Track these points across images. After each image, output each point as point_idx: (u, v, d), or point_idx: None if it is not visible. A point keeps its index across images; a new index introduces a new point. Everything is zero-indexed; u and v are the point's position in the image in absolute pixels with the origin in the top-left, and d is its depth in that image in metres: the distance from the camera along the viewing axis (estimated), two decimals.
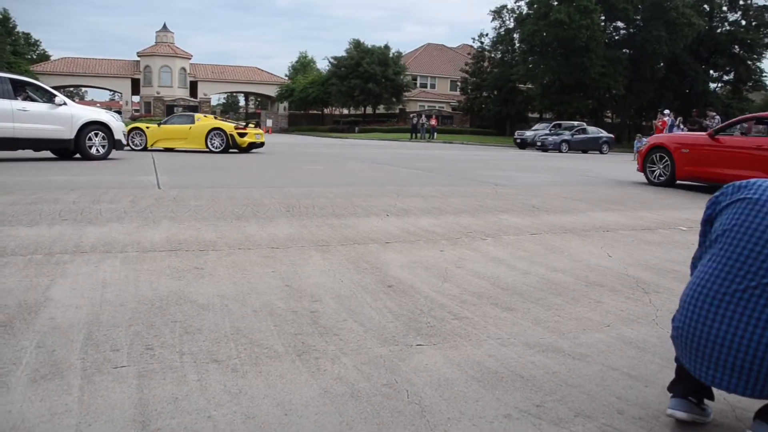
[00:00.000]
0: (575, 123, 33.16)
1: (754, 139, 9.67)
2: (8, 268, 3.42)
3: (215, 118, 22.02)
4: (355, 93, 52.68)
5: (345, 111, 63.12)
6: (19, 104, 11.08)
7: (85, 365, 2.16)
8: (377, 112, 57.90)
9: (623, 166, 17.24)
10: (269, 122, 56.88)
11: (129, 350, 2.30)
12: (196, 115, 19.73)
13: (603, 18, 41.75)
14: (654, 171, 10.63)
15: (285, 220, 5.32)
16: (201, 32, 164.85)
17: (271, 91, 66.22)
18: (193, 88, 64.26)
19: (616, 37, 44.46)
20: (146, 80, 61.61)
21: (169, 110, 51.19)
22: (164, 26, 64.55)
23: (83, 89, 63.61)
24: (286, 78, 71.14)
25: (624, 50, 42.85)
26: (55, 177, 8.51)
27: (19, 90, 11.39)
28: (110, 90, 66.90)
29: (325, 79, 57.35)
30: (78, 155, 12.31)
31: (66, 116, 11.73)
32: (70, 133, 11.76)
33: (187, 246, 4.10)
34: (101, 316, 2.65)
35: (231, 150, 17.90)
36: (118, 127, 12.65)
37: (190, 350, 2.33)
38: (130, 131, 18.71)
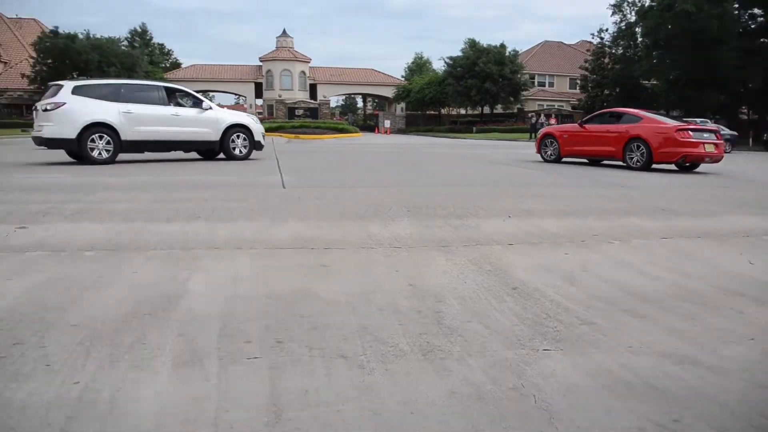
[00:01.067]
0: (697, 120, 31.29)
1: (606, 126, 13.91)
2: (151, 261, 3.68)
3: (335, 118, 25.10)
4: (472, 93, 52.25)
5: (462, 111, 62.81)
6: (173, 110, 12.28)
7: (221, 355, 2.28)
8: (495, 111, 57.19)
9: (754, 165, 16.07)
10: (387, 123, 57.55)
11: (261, 343, 2.40)
12: None
13: (737, 6, 38.94)
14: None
15: (406, 219, 5.36)
16: (319, 36, 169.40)
17: (388, 92, 67.03)
18: (313, 90, 66.21)
19: (753, 26, 41.25)
20: (268, 84, 64.15)
21: (291, 112, 52.94)
22: (284, 32, 66.91)
23: (211, 94, 67.36)
24: (402, 79, 71.72)
25: (762, 39, 39.68)
26: (191, 177, 9.04)
27: (171, 97, 12.52)
28: (235, 94, 70.17)
29: (442, 79, 57.29)
30: (222, 156, 13.29)
31: (212, 120, 12.77)
32: (215, 136, 12.81)
33: (312, 244, 4.23)
34: (234, 309, 2.79)
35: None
36: (258, 129, 13.58)
37: (319, 345, 2.40)
38: None
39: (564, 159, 14.56)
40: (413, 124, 64.46)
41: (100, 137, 11.57)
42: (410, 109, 65.93)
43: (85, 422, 1.78)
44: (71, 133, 11.37)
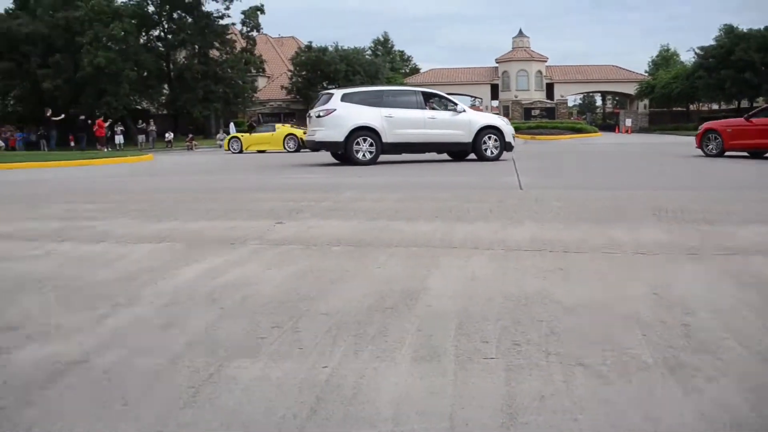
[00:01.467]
0: None
1: None
2: (393, 258, 3.86)
3: (572, 118, 26.02)
4: (726, 85, 47.24)
5: (714, 106, 57.21)
6: (429, 113, 12.95)
7: (458, 352, 2.30)
8: (754, 105, 51.23)
9: None
10: (628, 121, 54.46)
11: (497, 343, 2.39)
12: (277, 125, 26.71)
13: None
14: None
15: (649, 223, 5.01)
16: (556, 34, 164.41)
17: (630, 89, 63.30)
18: (549, 90, 64.79)
19: None
20: (504, 85, 64.07)
21: (527, 113, 52.52)
22: (520, 32, 66.27)
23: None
24: (646, 74, 67.22)
25: None
26: (433, 178, 9.35)
27: (427, 101, 13.29)
28: (471, 96, 71.27)
29: (690, 72, 52.66)
30: (474, 156, 13.74)
31: (465, 122, 13.27)
32: (468, 137, 13.31)
33: (550, 246, 4.12)
34: (471, 309, 2.81)
35: (303, 150, 23.01)
36: (509, 131, 13.81)
37: (556, 351, 2.32)
38: (230, 140, 27.50)
39: (726, 153, 14.58)
40: (657, 122, 60.07)
41: (364, 140, 12.56)
42: (654, 106, 61.64)
43: (332, 404, 1.91)
44: (339, 137, 12.51)
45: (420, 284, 3.22)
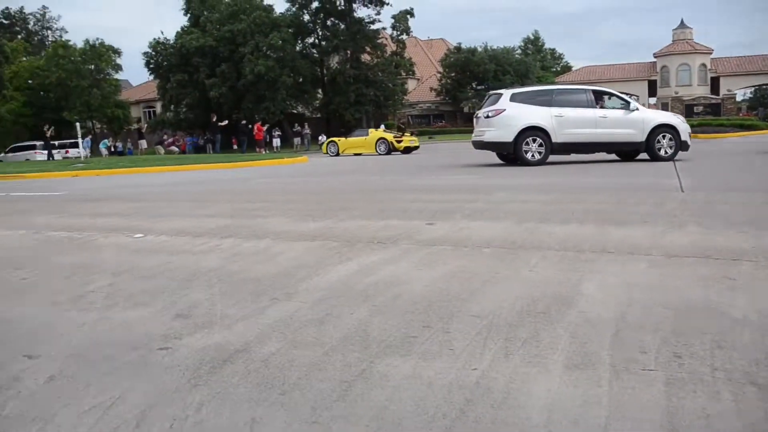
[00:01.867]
0: None
1: None
2: (545, 261, 3.77)
3: (741, 114, 25.56)
4: None
5: None
6: (600, 112, 12.63)
7: (614, 362, 2.21)
8: None
9: None
10: None
11: (656, 355, 2.26)
12: (369, 130, 29.11)
13: None
14: None
15: None
16: (721, 23, 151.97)
17: None
18: (714, 84, 60.18)
19: None
20: (663, 81, 60.37)
21: (688, 110, 49.13)
22: (681, 22, 62.10)
23: None
24: None
25: None
26: (588, 179, 9.03)
27: (598, 99, 12.96)
28: (627, 93, 67.84)
29: None
30: (647, 156, 13.18)
31: (638, 120, 12.80)
32: (641, 136, 12.83)
33: (716, 254, 3.84)
34: (627, 317, 2.68)
35: (393, 152, 25.89)
36: (685, 129, 13.13)
37: (723, 366, 2.16)
38: (327, 143, 29.70)
39: None
40: None
41: (534, 140, 12.47)
42: None
43: (481, 406, 1.90)
44: (509, 137, 12.51)
45: (573, 289, 3.12)
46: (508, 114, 12.64)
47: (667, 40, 63.32)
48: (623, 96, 13.40)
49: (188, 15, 50.58)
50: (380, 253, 4.24)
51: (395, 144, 26.57)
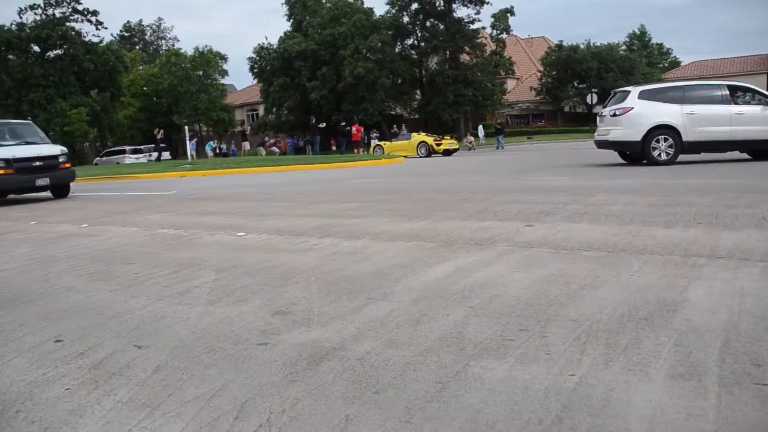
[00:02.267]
0: None
1: None
2: (648, 265, 3.62)
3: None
4: None
5: None
6: (735, 109, 12.11)
7: (723, 373, 2.09)
8: None
9: None
10: None
11: None
12: (412, 134, 31.00)
13: None
14: None
15: None
16: None
17: None
18: None
19: None
20: None
21: None
22: None
23: None
24: None
25: None
26: (689, 180, 8.61)
27: (734, 95, 12.33)
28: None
29: None
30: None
31: None
32: None
33: None
34: (739, 326, 2.53)
35: (434, 155, 27.33)
36: None
37: None
38: (374, 147, 31.79)
39: None
40: None
41: (665, 139, 12.10)
42: None
43: (579, 413, 1.85)
44: (636, 136, 12.21)
45: (678, 295, 2.98)
46: (637, 112, 12.29)
47: None
48: (763, 91, 12.63)
49: (291, 20, 52.07)
50: (477, 255, 4.21)
51: (435, 147, 28.77)
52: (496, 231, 5.12)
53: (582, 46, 54.54)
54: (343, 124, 39.45)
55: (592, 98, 47.45)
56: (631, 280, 3.31)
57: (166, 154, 40.14)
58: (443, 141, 29.51)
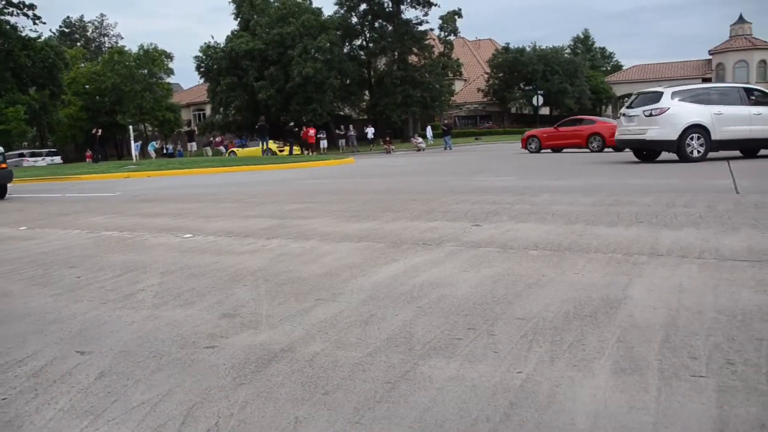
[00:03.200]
0: None
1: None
2: (592, 263, 3.71)
3: None
4: None
5: None
6: (753, 109, 13.06)
7: (663, 367, 2.16)
8: None
9: None
10: None
11: (707, 361, 2.20)
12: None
13: None
14: None
15: None
16: None
17: None
18: None
19: None
20: (718, 78, 58.65)
21: None
22: (740, 17, 60.37)
23: None
24: None
25: None
26: (631, 180, 8.85)
27: (749, 96, 13.10)
28: None
29: None
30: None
31: None
32: None
33: None
34: (678, 321, 2.62)
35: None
36: None
37: None
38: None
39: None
40: None
41: (698, 138, 12.63)
42: None
43: (526, 410, 1.88)
44: (673, 135, 12.76)
45: (621, 293, 3.06)
46: (673, 112, 12.89)
47: (725, 36, 61.62)
48: None
49: (238, 19, 51.46)
50: (425, 255, 4.24)
51: (278, 152, 34.79)
52: (445, 231, 5.16)
53: (528, 49, 55.56)
54: (292, 125, 39.21)
55: (538, 100, 48.33)
56: (576, 278, 3.38)
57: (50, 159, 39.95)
58: (285, 148, 36.43)
